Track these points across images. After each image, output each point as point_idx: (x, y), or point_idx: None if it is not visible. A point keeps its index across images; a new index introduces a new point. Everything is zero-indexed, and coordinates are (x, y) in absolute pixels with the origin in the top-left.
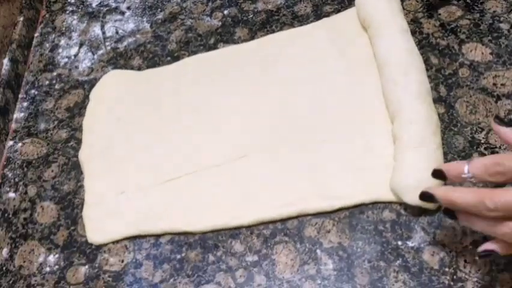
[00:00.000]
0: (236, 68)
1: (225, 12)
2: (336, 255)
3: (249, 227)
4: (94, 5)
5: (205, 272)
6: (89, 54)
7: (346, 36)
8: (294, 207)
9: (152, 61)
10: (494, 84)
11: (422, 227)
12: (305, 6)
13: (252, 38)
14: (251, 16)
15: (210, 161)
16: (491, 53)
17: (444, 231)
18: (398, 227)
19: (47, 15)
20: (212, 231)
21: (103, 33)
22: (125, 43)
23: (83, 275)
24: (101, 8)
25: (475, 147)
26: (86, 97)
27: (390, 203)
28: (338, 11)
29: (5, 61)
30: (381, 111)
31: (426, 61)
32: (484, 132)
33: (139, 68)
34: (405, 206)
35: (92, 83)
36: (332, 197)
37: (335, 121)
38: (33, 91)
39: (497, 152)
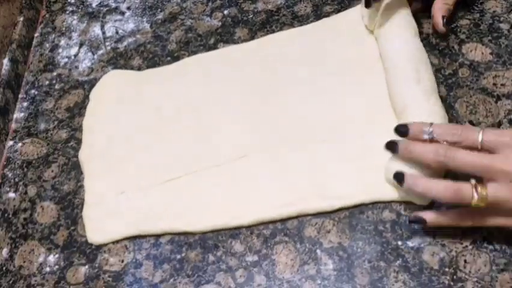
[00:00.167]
0: (236, 68)
1: (225, 12)
2: (336, 255)
3: (249, 227)
4: (94, 5)
5: (205, 272)
6: (89, 54)
7: (346, 36)
8: (294, 207)
9: (152, 61)
10: (494, 84)
11: (422, 227)
12: (305, 6)
13: (252, 38)
14: (251, 16)
15: (210, 161)
16: (491, 53)
17: (444, 231)
18: (398, 227)
19: (47, 15)
20: (212, 231)
21: (103, 33)
22: (125, 43)
23: (83, 275)
24: (101, 8)
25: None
26: (86, 97)
27: (390, 202)
28: (338, 11)
29: (5, 61)
30: (382, 111)
31: None
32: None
33: (139, 68)
34: (405, 206)
35: (92, 83)
36: (332, 197)
37: (334, 121)
38: (33, 91)
39: None
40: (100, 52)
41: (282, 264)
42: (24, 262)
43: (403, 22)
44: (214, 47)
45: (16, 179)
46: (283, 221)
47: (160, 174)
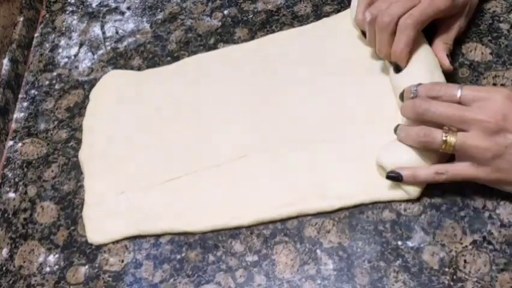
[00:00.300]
0: (236, 68)
1: (225, 12)
2: (336, 255)
3: (249, 227)
4: (94, 5)
5: (205, 272)
6: (89, 54)
7: (346, 36)
8: (294, 207)
9: (152, 61)
10: (494, 84)
11: (422, 227)
12: (305, 6)
13: (252, 38)
14: (251, 16)
15: (210, 161)
16: (491, 53)
17: (444, 231)
18: (398, 227)
19: (47, 15)
20: (212, 231)
21: (103, 33)
22: (125, 43)
23: (83, 275)
24: (101, 8)
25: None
26: (86, 97)
27: (390, 202)
28: (338, 11)
29: (5, 61)
30: (382, 111)
31: None
32: None
33: (139, 68)
34: (405, 206)
35: (92, 83)
36: (332, 197)
37: (335, 121)
38: (33, 91)
39: None
40: (100, 52)
41: (282, 264)
42: (24, 262)
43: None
44: (214, 47)
45: (16, 179)
46: (283, 221)
47: (160, 174)
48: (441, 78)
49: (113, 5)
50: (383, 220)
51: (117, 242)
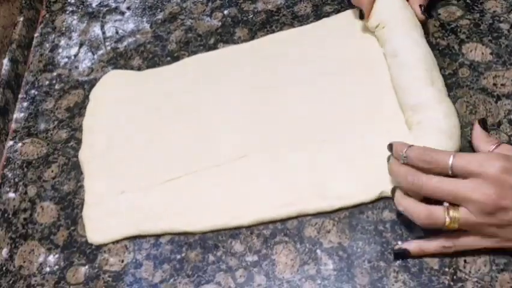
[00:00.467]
0: (236, 68)
1: (225, 12)
2: (336, 255)
3: (249, 227)
4: (94, 5)
5: (205, 272)
6: (89, 54)
7: (346, 36)
8: (294, 207)
9: (152, 61)
10: (494, 84)
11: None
12: (305, 6)
13: (252, 38)
14: (251, 16)
15: (210, 161)
16: (491, 53)
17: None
18: (398, 227)
19: (47, 15)
20: (212, 231)
21: (103, 33)
22: (125, 43)
23: (83, 275)
24: (101, 8)
25: None
26: (86, 97)
27: (390, 202)
28: (338, 11)
29: (5, 61)
30: (382, 111)
31: None
32: None
33: (139, 68)
34: None
35: (92, 83)
36: (332, 197)
37: (335, 121)
38: (33, 91)
39: None
40: (100, 52)
41: (282, 264)
42: (24, 262)
43: (409, 22)
44: (214, 47)
45: (16, 179)
46: (283, 221)
47: (160, 174)
48: (439, 78)
49: (113, 5)
50: (383, 220)
51: (117, 242)
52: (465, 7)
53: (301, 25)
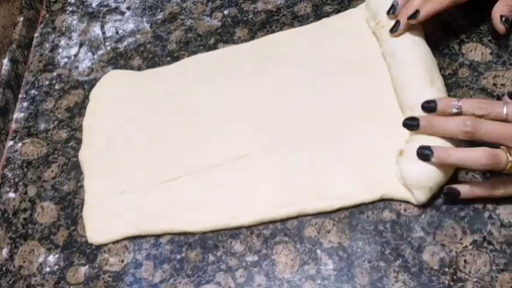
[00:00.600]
0: (236, 68)
1: (225, 12)
2: (336, 256)
3: (249, 227)
4: (94, 5)
5: (205, 272)
6: (89, 54)
7: (346, 36)
8: (294, 207)
9: (152, 61)
10: (494, 84)
11: (422, 227)
12: (305, 6)
13: (252, 38)
14: (251, 16)
15: (210, 161)
16: (491, 53)
17: (444, 231)
18: (398, 227)
19: (47, 15)
20: (212, 231)
21: (103, 33)
22: (125, 43)
23: (83, 275)
24: (101, 8)
25: (475, 146)
26: (86, 97)
27: (390, 202)
28: (338, 11)
29: (5, 61)
30: (382, 111)
31: None
32: None
33: (139, 68)
34: (405, 206)
35: (92, 83)
36: (332, 197)
37: (335, 121)
38: (33, 91)
39: None
40: (100, 52)
41: (282, 264)
42: (24, 262)
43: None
44: (214, 47)
45: (16, 179)
46: (283, 221)
47: (160, 174)
48: (439, 78)
49: (113, 5)
50: (383, 220)
51: (117, 242)
52: (465, 7)
53: (301, 25)
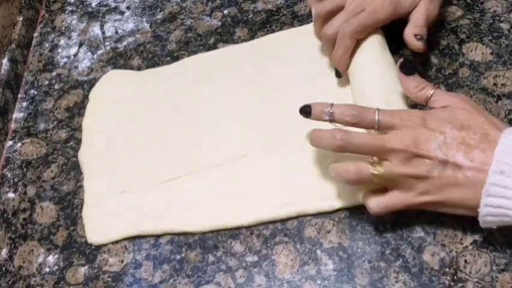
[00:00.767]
0: (236, 68)
1: (225, 12)
2: (336, 256)
3: (248, 227)
4: (93, 5)
5: (205, 273)
6: (89, 54)
7: None
8: (294, 207)
9: (152, 61)
10: (495, 84)
11: (422, 227)
12: (305, 6)
13: (252, 37)
14: (251, 16)
15: (210, 161)
16: (491, 53)
17: (444, 231)
18: (398, 227)
19: (46, 15)
20: (212, 232)
21: (103, 33)
22: (124, 43)
23: (82, 275)
24: (101, 8)
25: None
26: (86, 97)
27: None
28: None
29: (4, 61)
30: None
31: (426, 61)
32: None
33: (139, 68)
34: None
35: (91, 83)
36: (332, 197)
37: None
38: (32, 91)
39: None
40: (100, 52)
41: (282, 264)
42: (23, 262)
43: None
44: (214, 46)
45: (15, 179)
46: (283, 221)
47: (160, 174)
48: (396, 84)
49: (113, 4)
50: (383, 220)
51: (117, 242)
52: (465, 7)
53: (301, 25)
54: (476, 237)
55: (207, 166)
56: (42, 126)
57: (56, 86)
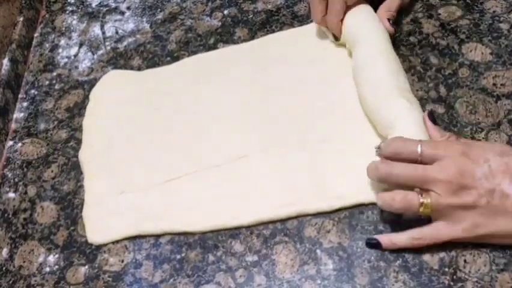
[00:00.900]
0: (236, 68)
1: (225, 12)
2: (336, 255)
3: (248, 227)
4: (93, 5)
5: (205, 272)
6: (89, 54)
7: None
8: (294, 207)
9: (152, 61)
10: (494, 84)
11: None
12: (305, 6)
13: (252, 38)
14: (251, 16)
15: (210, 161)
16: (491, 53)
17: None
18: (398, 227)
19: (46, 15)
20: (212, 231)
21: (103, 33)
22: (125, 43)
23: (83, 275)
24: (101, 8)
25: None
26: (86, 97)
27: None
28: None
29: (5, 61)
30: None
31: (426, 61)
32: (483, 132)
33: (139, 68)
34: None
35: (92, 83)
36: (332, 197)
37: (335, 121)
38: (33, 91)
39: None
40: (100, 52)
41: (282, 264)
42: (24, 262)
43: (371, 32)
44: (214, 47)
45: (16, 179)
46: (283, 221)
47: (160, 174)
48: (404, 77)
49: (113, 5)
50: (383, 220)
51: (117, 242)
52: (465, 7)
53: (301, 25)
54: None
55: (207, 166)
56: (42, 126)
57: (57, 86)
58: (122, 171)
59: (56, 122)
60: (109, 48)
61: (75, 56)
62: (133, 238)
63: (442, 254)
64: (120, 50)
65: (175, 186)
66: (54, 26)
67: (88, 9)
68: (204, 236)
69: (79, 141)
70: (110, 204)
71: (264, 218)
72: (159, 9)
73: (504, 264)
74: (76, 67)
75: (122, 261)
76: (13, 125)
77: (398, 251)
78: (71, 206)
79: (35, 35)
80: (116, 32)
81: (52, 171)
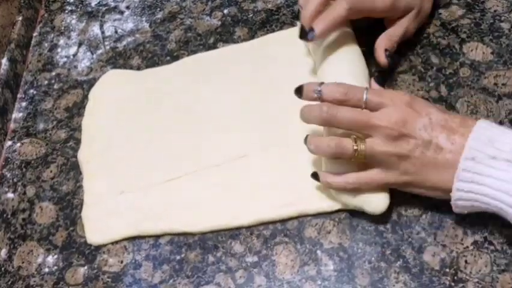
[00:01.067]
0: (236, 67)
1: (225, 11)
2: (336, 256)
3: (248, 227)
4: (93, 5)
5: (205, 273)
6: (88, 53)
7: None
8: (294, 207)
9: (152, 61)
10: (495, 84)
11: (422, 227)
12: None
13: (252, 37)
14: (251, 15)
15: (210, 161)
16: (492, 53)
17: (445, 231)
18: (399, 227)
19: (46, 15)
20: (212, 232)
21: (102, 32)
22: (124, 43)
23: (82, 275)
24: (100, 8)
25: None
26: (85, 97)
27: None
28: None
29: (4, 61)
30: None
31: (427, 61)
32: None
33: (138, 68)
34: (406, 207)
35: (91, 83)
36: (332, 197)
37: None
38: (32, 91)
39: None
40: (99, 52)
41: (282, 265)
42: (23, 263)
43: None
44: (213, 46)
45: (15, 180)
46: (283, 221)
47: (160, 174)
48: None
49: (113, 4)
50: (384, 220)
51: (116, 242)
52: (466, 6)
53: None
54: (477, 237)
55: (207, 166)
56: (41, 126)
57: (56, 86)
58: (122, 171)
59: (55, 122)
60: (108, 47)
61: (74, 55)
62: (132, 238)
63: (443, 255)
64: (119, 49)
65: (174, 186)
66: (53, 25)
67: (87, 8)
68: (203, 236)
69: (78, 141)
70: (110, 204)
71: (264, 218)
72: (159, 9)
73: (505, 265)
74: (75, 67)
75: (122, 261)
76: (12, 125)
77: (399, 251)
78: (70, 206)
79: (34, 34)
80: (116, 32)
81: (51, 171)
